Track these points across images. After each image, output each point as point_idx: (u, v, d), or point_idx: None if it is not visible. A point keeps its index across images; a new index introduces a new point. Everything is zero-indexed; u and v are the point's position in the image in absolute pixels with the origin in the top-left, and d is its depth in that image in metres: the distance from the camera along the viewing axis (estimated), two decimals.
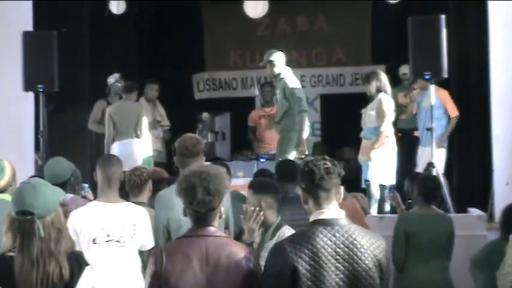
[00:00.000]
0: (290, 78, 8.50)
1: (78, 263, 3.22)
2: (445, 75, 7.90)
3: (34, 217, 3.12)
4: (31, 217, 3.12)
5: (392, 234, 5.87)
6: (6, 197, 4.81)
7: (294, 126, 8.36)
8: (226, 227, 5.21)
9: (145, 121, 9.15)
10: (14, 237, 3.15)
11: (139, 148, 8.93)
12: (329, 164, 3.31)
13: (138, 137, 9.01)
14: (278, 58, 8.49)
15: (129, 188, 5.70)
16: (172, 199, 4.56)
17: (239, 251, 3.39)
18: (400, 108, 9.65)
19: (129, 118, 9.00)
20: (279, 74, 8.47)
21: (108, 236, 4.69)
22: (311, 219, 3.31)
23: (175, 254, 3.37)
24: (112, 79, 9.60)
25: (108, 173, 4.83)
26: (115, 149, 8.91)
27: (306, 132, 8.47)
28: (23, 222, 3.13)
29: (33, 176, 6.19)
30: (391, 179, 8.03)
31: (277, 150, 8.67)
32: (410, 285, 5.80)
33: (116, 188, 4.87)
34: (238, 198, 6.30)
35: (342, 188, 3.35)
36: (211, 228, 3.41)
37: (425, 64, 7.80)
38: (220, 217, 3.46)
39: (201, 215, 3.39)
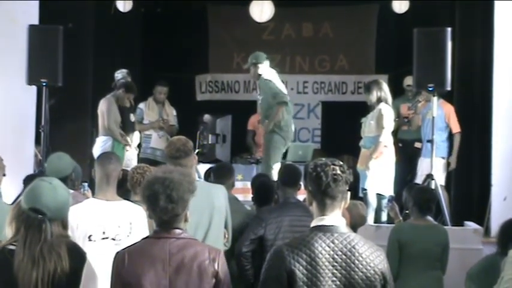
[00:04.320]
0: (270, 77, 8.57)
1: (79, 254, 3.18)
2: (448, 88, 7.92)
3: (46, 217, 3.07)
4: (42, 217, 3.07)
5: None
6: None
7: (276, 129, 8.41)
8: (225, 227, 5.22)
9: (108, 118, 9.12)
10: (18, 230, 3.10)
11: (97, 145, 9.10)
12: (338, 171, 3.25)
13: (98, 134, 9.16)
14: (261, 60, 8.57)
15: (130, 185, 5.67)
16: None
17: (204, 252, 3.37)
18: (401, 119, 9.65)
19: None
20: (261, 75, 8.53)
21: (103, 233, 4.66)
22: (312, 224, 3.30)
23: (137, 255, 3.36)
24: (119, 74, 9.58)
25: (107, 170, 4.81)
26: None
27: (289, 122, 8.61)
28: (32, 219, 3.08)
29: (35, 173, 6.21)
30: (388, 189, 8.04)
31: (263, 153, 8.73)
32: None
33: (114, 185, 4.85)
34: (233, 200, 6.31)
35: (348, 194, 3.32)
36: (177, 231, 3.38)
37: (429, 76, 7.81)
38: (186, 221, 3.42)
39: (165, 220, 3.38)
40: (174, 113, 9.99)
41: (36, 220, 3.09)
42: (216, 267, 3.35)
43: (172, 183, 3.35)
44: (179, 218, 3.39)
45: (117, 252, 3.51)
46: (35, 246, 3.07)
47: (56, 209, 3.11)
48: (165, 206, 3.32)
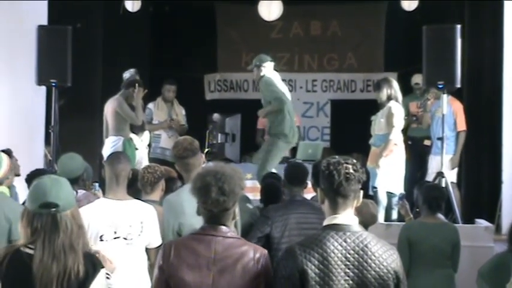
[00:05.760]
0: (272, 80, 8.48)
1: (92, 264, 3.17)
2: (458, 85, 7.90)
3: (59, 209, 3.08)
4: (55, 209, 3.08)
5: None
6: (3, 189, 4.82)
7: (279, 132, 8.39)
8: (235, 226, 5.21)
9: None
10: (34, 232, 3.08)
11: (107, 145, 8.89)
12: (350, 170, 3.23)
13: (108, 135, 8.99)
14: (263, 62, 8.52)
15: (141, 185, 5.66)
16: (182, 203, 4.54)
17: (249, 253, 3.37)
18: (410, 117, 9.64)
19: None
20: (262, 77, 8.49)
21: (115, 233, 4.69)
22: (324, 223, 3.29)
23: (183, 250, 3.37)
24: (127, 74, 9.57)
25: (116, 170, 4.82)
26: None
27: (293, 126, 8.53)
28: (46, 215, 3.08)
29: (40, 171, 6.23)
30: (399, 187, 8.03)
31: (262, 153, 8.66)
32: None
33: (123, 185, 4.86)
34: (242, 199, 6.29)
35: (361, 193, 3.31)
36: (224, 228, 3.39)
37: (439, 73, 7.80)
38: (233, 218, 3.45)
39: (215, 214, 3.38)
40: (183, 112, 9.97)
41: (49, 216, 3.08)
42: (260, 268, 3.34)
43: (224, 176, 3.37)
44: (228, 213, 3.40)
45: (164, 244, 3.57)
46: (55, 241, 3.06)
47: (65, 198, 3.11)
48: (216, 198, 3.33)
